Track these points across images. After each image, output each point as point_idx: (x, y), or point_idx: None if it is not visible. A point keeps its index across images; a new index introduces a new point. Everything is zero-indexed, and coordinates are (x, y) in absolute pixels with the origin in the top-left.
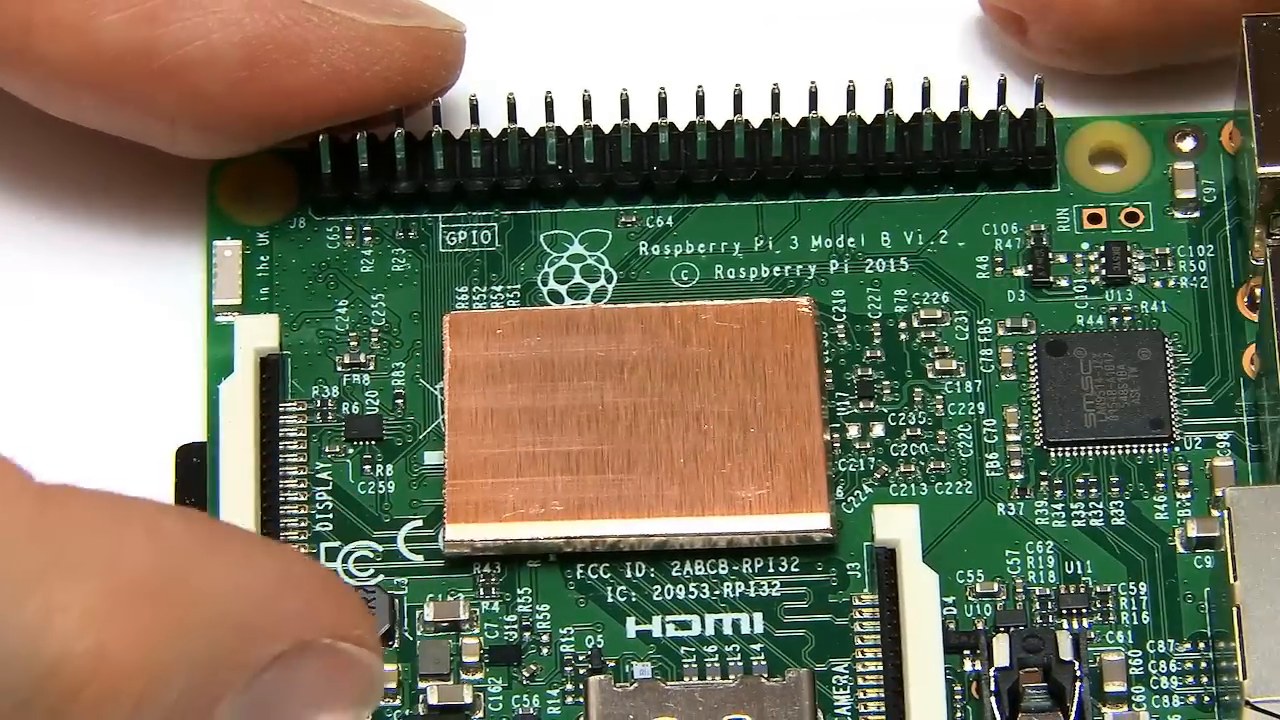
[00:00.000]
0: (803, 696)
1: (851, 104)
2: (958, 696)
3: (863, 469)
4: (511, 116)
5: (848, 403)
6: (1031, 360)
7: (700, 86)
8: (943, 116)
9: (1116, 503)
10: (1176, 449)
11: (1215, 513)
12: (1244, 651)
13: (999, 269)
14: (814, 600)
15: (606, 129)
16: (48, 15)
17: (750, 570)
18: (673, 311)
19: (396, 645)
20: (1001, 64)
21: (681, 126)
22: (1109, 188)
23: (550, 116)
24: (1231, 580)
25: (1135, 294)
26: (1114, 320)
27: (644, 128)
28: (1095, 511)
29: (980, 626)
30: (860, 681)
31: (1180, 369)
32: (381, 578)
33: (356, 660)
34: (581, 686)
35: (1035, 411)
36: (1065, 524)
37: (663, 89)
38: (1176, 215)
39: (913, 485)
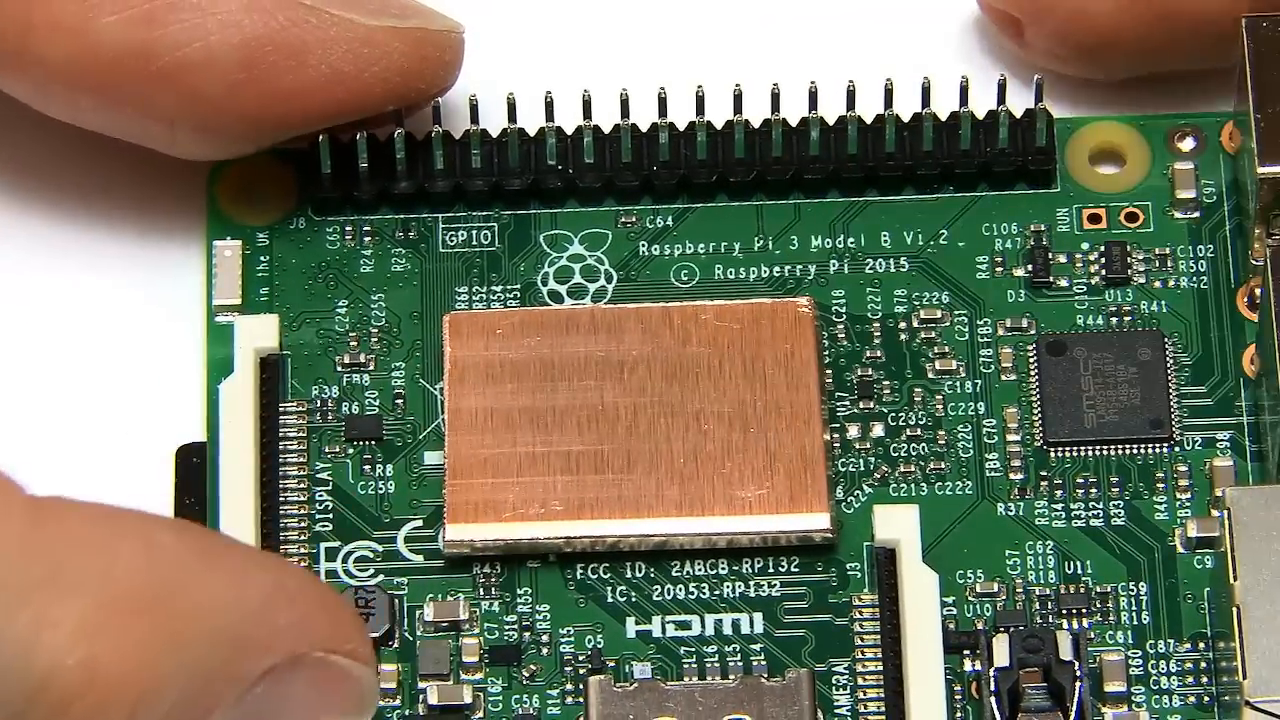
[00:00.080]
0: (802, 696)
1: (851, 104)
2: (958, 696)
3: (863, 469)
4: (511, 116)
5: (848, 403)
6: (1031, 360)
7: (700, 86)
8: (943, 117)
9: (1116, 503)
10: (1176, 449)
11: (1215, 513)
12: (1244, 651)
13: (999, 269)
14: (814, 600)
15: (606, 129)
16: (46, 17)
17: (750, 570)
18: (673, 311)
19: (396, 645)
20: (1001, 64)
21: (681, 126)
22: (1109, 188)
23: (550, 116)
24: (1231, 580)
25: (1135, 294)
26: (1114, 320)
27: (644, 128)
28: (1095, 511)
29: (980, 626)
30: (860, 681)
31: (1180, 369)
32: (381, 578)
33: (349, 673)
34: (581, 686)
35: (1035, 411)
36: (1065, 524)
37: (663, 89)
38: (1176, 215)
39: (913, 485)
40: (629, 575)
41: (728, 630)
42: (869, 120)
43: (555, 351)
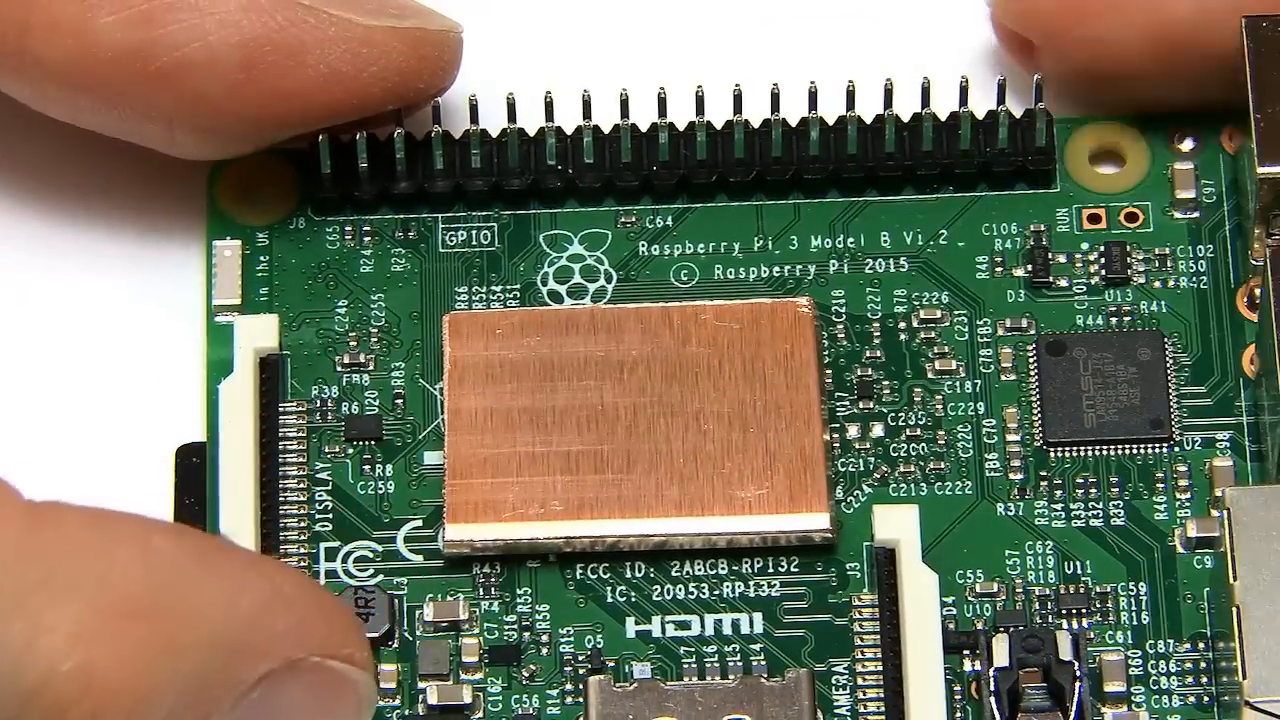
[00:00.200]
0: (802, 696)
1: (851, 104)
2: (957, 697)
3: (862, 469)
4: (511, 116)
5: (847, 403)
6: (1031, 360)
7: (700, 86)
8: (942, 117)
9: (1116, 503)
10: (1176, 449)
11: (1215, 513)
12: (1243, 651)
13: (999, 269)
14: (813, 600)
15: (606, 129)
16: (45, 18)
17: (750, 570)
18: (672, 311)
19: (396, 645)
20: (1001, 64)
21: (681, 126)
22: (1109, 188)
23: (550, 116)
24: (1231, 580)
25: (1135, 294)
26: (1114, 320)
27: (644, 128)
28: (1095, 512)
29: (980, 626)
30: (860, 682)
31: (1180, 369)
32: (381, 578)
33: (346, 679)
34: (581, 686)
35: (1035, 411)
36: (1065, 524)
37: (662, 89)
38: (1176, 215)
39: (912, 485)
40: (629, 575)
41: (727, 630)
42: (869, 120)
43: (555, 351)
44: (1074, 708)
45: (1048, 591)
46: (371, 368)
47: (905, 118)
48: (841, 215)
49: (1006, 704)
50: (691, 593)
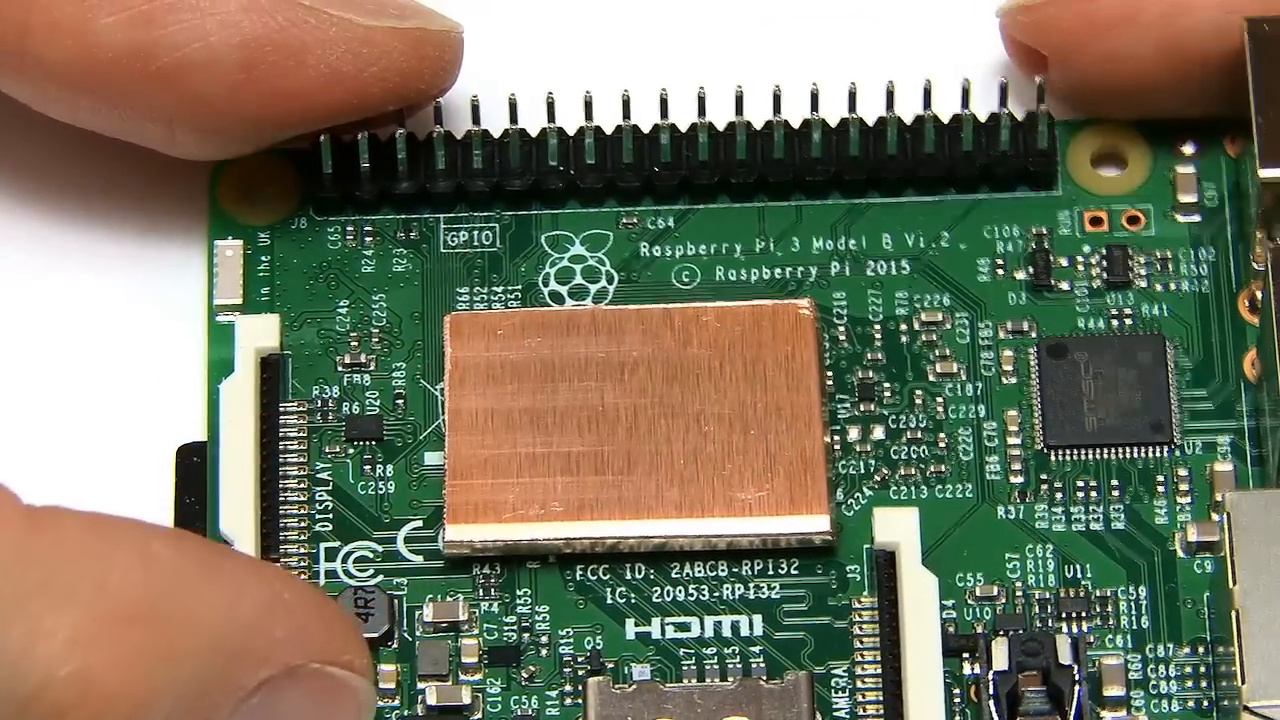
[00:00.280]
0: (801, 699)
1: (853, 106)
2: (956, 700)
3: (863, 471)
4: (513, 117)
5: (848, 405)
6: (1032, 363)
7: (702, 88)
8: (944, 119)
9: (1116, 506)
10: (1177, 453)
11: (1215, 517)
12: (1243, 656)
13: (1000, 272)
14: (813, 603)
15: (608, 130)
16: (45, 18)
17: (750, 572)
18: (673, 313)
19: (395, 646)
20: (1003, 67)
21: (683, 128)
22: (1110, 190)
23: (551, 117)
24: (1231, 585)
25: (1136, 297)
26: (1115, 323)
27: (645, 129)
28: (1095, 515)
29: (979, 630)
30: (859, 684)
31: (1181, 372)
32: (381, 578)
33: (345, 684)
34: (580, 688)
35: (1036, 414)
36: (1065, 527)
37: (664, 90)
38: (1178, 218)
39: (913, 488)
40: (628, 576)
41: (727, 632)
42: (871, 122)
43: (556, 352)
44: (1073, 711)
45: (1048, 595)
46: (372, 368)
47: (907, 120)
48: (843, 217)
49: (1006, 707)
50: (691, 594)
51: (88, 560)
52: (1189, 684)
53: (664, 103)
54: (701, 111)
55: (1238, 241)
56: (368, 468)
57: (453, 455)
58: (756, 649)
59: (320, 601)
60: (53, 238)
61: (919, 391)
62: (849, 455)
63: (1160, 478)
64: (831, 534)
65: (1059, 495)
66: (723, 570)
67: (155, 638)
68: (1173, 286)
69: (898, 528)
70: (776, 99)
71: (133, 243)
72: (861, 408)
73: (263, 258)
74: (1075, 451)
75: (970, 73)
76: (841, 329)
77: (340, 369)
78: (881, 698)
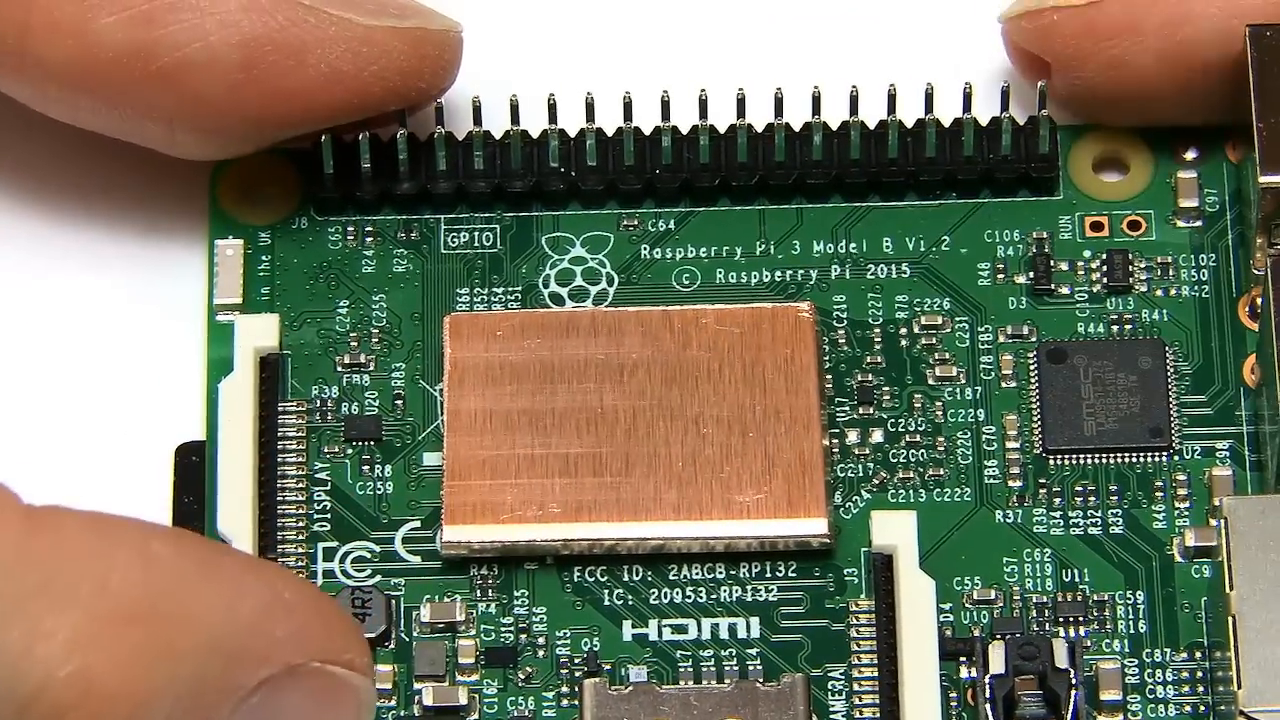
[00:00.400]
0: (797, 701)
1: (854, 109)
2: (953, 703)
3: (861, 475)
4: (514, 118)
5: (847, 408)
6: (1032, 367)
7: (703, 90)
8: (946, 123)
9: (1115, 511)
10: (1175, 458)
11: (1213, 522)
12: (1239, 661)
13: (1000, 276)
14: (810, 605)
15: (609, 132)
16: (45, 18)
17: (747, 574)
18: (673, 315)
19: (392, 646)
20: (1005, 71)
21: (684, 130)
22: (1111, 195)
23: (553, 119)
24: (1228, 590)
25: (1136, 302)
26: (1115, 328)
27: (646, 131)
28: (1093, 520)
29: (976, 633)
30: (856, 687)
31: (1180, 378)
32: (379, 578)
33: (346, 684)
34: (576, 689)
35: (1035, 419)
36: (1063, 532)
37: (665, 92)
38: (1179, 224)
39: (911, 491)
40: (626, 578)
41: (724, 634)
42: (872, 125)
43: (555, 354)
44: (1069, 716)
45: (1045, 599)
46: (372, 368)
47: (909, 123)
48: (844, 220)
49: (1002, 711)
50: (689, 596)
51: (88, 560)
52: (1185, 689)
53: (665, 105)
54: (703, 114)
55: (1238, 247)
56: (366, 468)
57: (451, 456)
58: (753, 651)
59: (320, 600)
60: (53, 237)
61: (918, 395)
62: (847, 458)
63: (1159, 483)
64: (829, 537)
65: (1057, 500)
66: (720, 572)
67: (155, 638)
68: (1173, 292)
69: (896, 531)
70: (778, 102)
71: (133, 242)
72: (860, 411)
73: (263, 257)
74: (1074, 456)
75: (972, 77)
76: (841, 332)
77: (340, 369)
78: (878, 701)
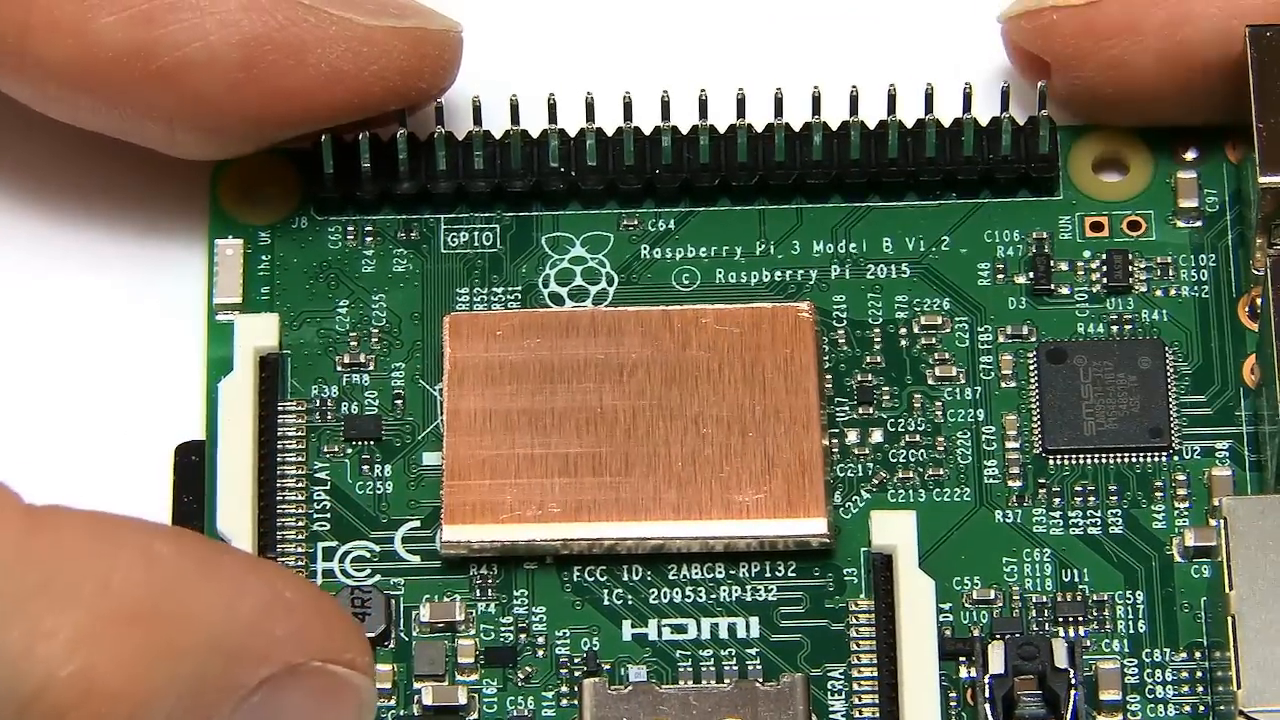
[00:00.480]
0: (797, 701)
1: (854, 109)
2: (952, 703)
3: (861, 474)
4: (514, 118)
5: (847, 408)
6: (1031, 368)
7: (703, 90)
8: (946, 123)
9: (1114, 511)
10: (1175, 458)
11: (1213, 522)
12: (1239, 661)
13: (1000, 276)
14: (810, 605)
15: (609, 131)
16: (45, 18)
17: (747, 574)
18: (673, 315)
19: (392, 646)
20: (1005, 71)
21: (684, 130)
22: (1111, 196)
23: (553, 118)
24: (1227, 590)
25: (1136, 302)
26: (1114, 328)
27: (646, 131)
28: (1093, 520)
29: (976, 633)
30: (855, 687)
31: (1180, 378)
32: (378, 578)
33: (347, 683)
34: (576, 689)
35: (1034, 419)
36: (1063, 532)
37: (665, 92)
38: (1179, 224)
39: (911, 491)
40: (625, 578)
41: (724, 634)
42: (872, 125)
43: (555, 354)
44: (1069, 716)
45: (1045, 599)
46: (371, 368)
47: (908, 124)
48: (844, 220)
49: (1001, 711)
50: (688, 596)
51: (89, 560)
52: (1185, 689)
53: (665, 105)
54: (703, 114)
55: (1238, 247)
56: (366, 467)
57: (451, 456)
58: (753, 651)
59: (321, 599)
60: (53, 237)
61: (918, 395)
62: (847, 458)
63: (1158, 483)
64: (829, 537)
65: (1057, 500)
66: (720, 572)
67: (156, 637)
68: (1173, 292)
69: (895, 531)
70: (778, 102)
71: (133, 242)
72: (860, 411)
73: (263, 257)
74: (1074, 456)
75: (972, 77)
76: (841, 332)
77: (339, 369)
78: (877, 700)
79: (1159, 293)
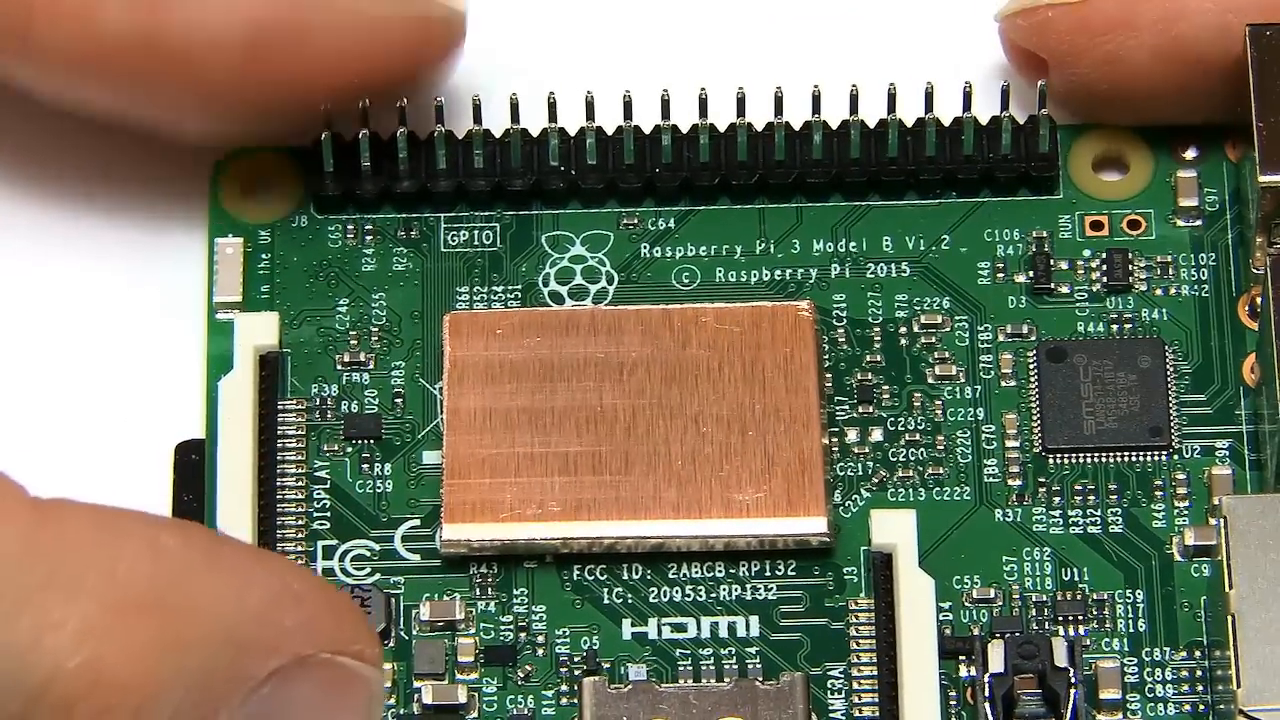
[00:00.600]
0: (797, 700)
1: (854, 108)
2: (952, 702)
3: (861, 473)
4: (514, 117)
5: (847, 407)
6: (1031, 367)
7: (703, 89)
8: (946, 122)
9: (1114, 510)
10: (1175, 457)
11: (1213, 521)
12: (1238, 660)
13: (1000, 275)
14: (810, 604)
15: (609, 130)
16: (48, 2)
17: (747, 573)
18: (673, 314)
19: (392, 644)
20: (1005, 70)
21: (684, 129)
22: (1111, 195)
23: (553, 117)
24: (1227, 589)
25: (1136, 301)
26: (1114, 327)
27: (646, 129)
28: (1093, 518)
29: (976, 632)
30: (855, 686)
31: (1180, 377)
32: (378, 577)
33: (356, 675)
34: (576, 688)
35: (1034, 418)
36: (1063, 531)
37: (665, 91)
38: (1179, 223)
39: (910, 490)
40: (625, 577)
41: (723, 633)
42: (872, 124)
43: (555, 352)
44: (1069, 715)
45: (1045, 598)
46: (371, 366)
47: (908, 123)
48: (844, 219)
49: (1001, 710)
50: (688, 595)
51: (96, 551)
52: (1185, 688)
53: (665, 104)
54: (703, 113)
55: (1238, 246)
56: (366, 466)
57: (451, 454)
58: (753, 650)
59: (329, 591)
60: (53, 234)
61: (918, 394)
62: (847, 457)
63: (1158, 482)
64: (829, 535)
65: (1057, 498)
66: (720, 571)
67: (164, 628)
68: (1173, 291)
69: (895, 530)
70: (778, 101)
71: (133, 240)
72: (860, 410)
73: (263, 255)
74: (1074, 455)
75: (972, 76)
76: (841, 331)
77: (339, 367)
78: (877, 699)
79: (1159, 292)
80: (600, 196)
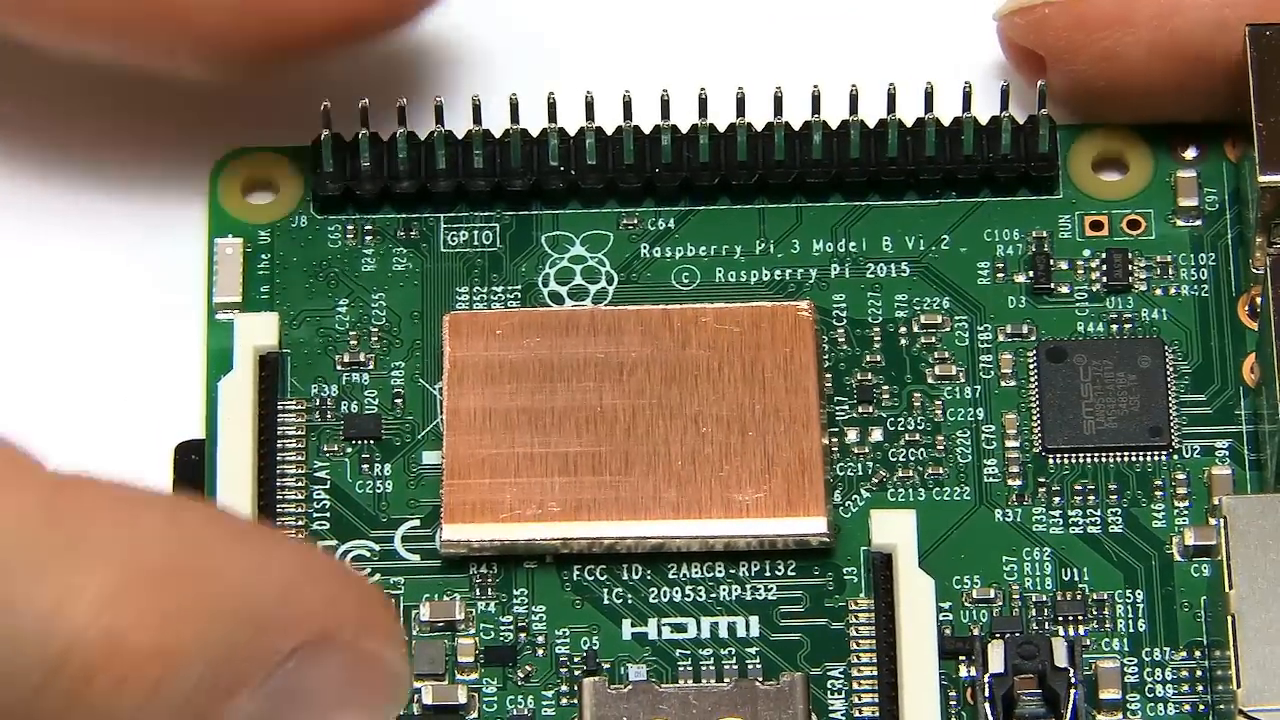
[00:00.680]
0: (797, 700)
1: (854, 108)
2: (952, 702)
3: (861, 473)
4: (514, 117)
5: (847, 407)
6: (1031, 367)
7: (703, 89)
8: (945, 122)
9: (1114, 510)
10: (1175, 457)
11: (1213, 521)
12: (1238, 660)
13: (1000, 275)
14: (810, 604)
15: (609, 130)
16: None
17: (747, 573)
18: (672, 314)
19: None
20: (1004, 70)
21: (684, 129)
22: (1111, 195)
23: (553, 117)
24: (1227, 589)
25: (1136, 301)
26: (1114, 327)
27: (646, 130)
28: (1093, 519)
29: (976, 632)
30: (855, 686)
31: (1180, 377)
32: (378, 577)
33: (380, 657)
34: (576, 688)
35: (1034, 418)
36: (1063, 531)
37: (665, 91)
38: (1178, 223)
39: (910, 490)
40: (625, 577)
41: (723, 633)
42: (872, 124)
43: (555, 352)
44: (1069, 715)
45: (1045, 598)
46: (371, 367)
47: (908, 123)
48: (843, 219)
49: (1001, 710)
50: (688, 595)
51: (116, 521)
52: (1185, 688)
53: (665, 104)
54: (703, 113)
55: (1238, 246)
56: (365, 466)
57: (450, 455)
58: (753, 650)
59: (350, 572)
60: (54, 231)
61: (918, 394)
62: (847, 457)
63: (1158, 482)
64: (829, 536)
65: (1057, 498)
66: (720, 571)
67: (186, 599)
68: (1172, 291)
69: (895, 530)
70: (778, 101)
71: (132, 241)
72: (860, 410)
73: (263, 256)
74: (1073, 455)
75: (971, 76)
76: (841, 331)
77: (339, 368)
78: (877, 700)
79: (1159, 292)
80: (600, 197)
